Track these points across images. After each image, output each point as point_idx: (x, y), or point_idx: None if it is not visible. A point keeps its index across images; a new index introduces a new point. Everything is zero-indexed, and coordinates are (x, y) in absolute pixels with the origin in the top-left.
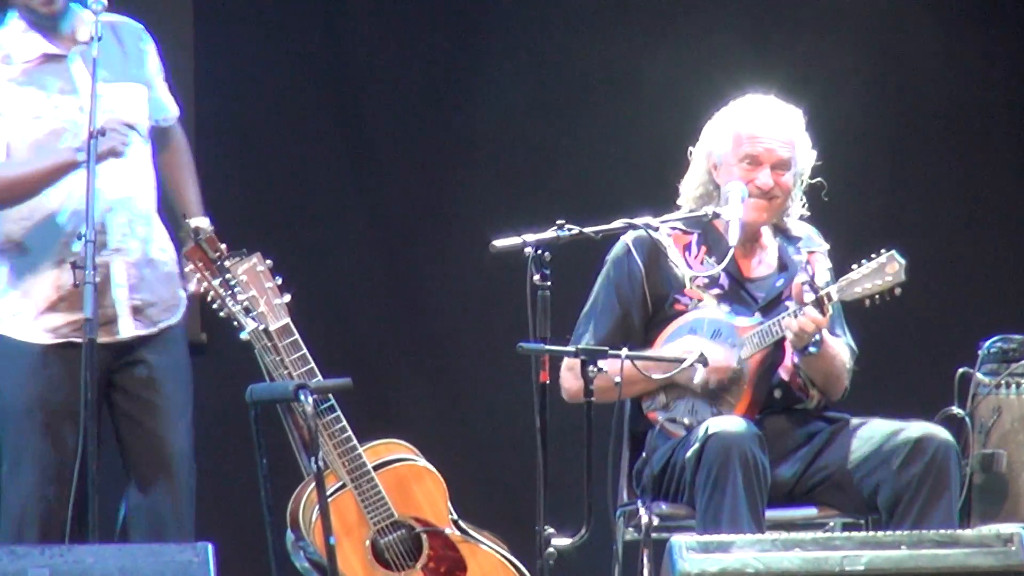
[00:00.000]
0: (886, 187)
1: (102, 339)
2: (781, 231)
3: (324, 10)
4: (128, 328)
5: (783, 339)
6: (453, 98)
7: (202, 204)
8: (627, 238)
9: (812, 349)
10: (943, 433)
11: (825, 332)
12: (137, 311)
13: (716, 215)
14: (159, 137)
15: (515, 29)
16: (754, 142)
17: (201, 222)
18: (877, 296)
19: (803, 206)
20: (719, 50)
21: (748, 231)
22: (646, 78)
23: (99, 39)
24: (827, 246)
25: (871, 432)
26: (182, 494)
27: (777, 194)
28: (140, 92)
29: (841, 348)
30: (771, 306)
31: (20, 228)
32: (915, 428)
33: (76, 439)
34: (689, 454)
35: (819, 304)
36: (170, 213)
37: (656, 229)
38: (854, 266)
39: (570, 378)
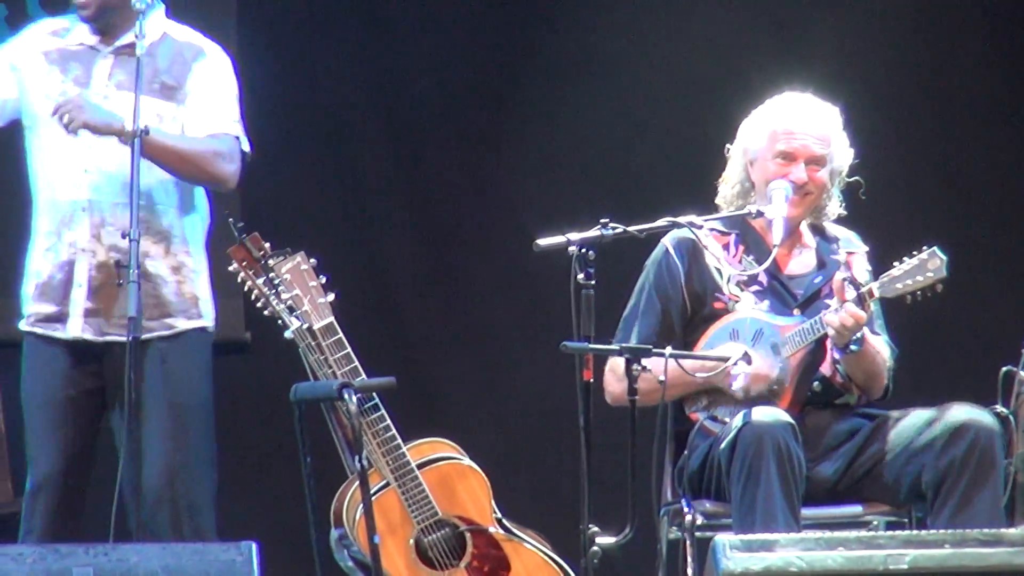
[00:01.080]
0: (928, 185)
1: (50, 333)
2: (819, 231)
3: (368, 8)
4: (75, 329)
5: (824, 337)
6: (499, 96)
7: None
8: (666, 240)
9: (853, 347)
10: (985, 416)
11: (866, 330)
12: (89, 313)
13: (760, 213)
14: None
15: (561, 27)
16: (788, 138)
17: None
18: (919, 293)
19: (840, 205)
20: (763, 49)
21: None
22: (691, 77)
23: (141, 37)
24: (866, 248)
25: (912, 420)
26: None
27: (811, 190)
28: (154, 107)
29: (882, 347)
30: (810, 303)
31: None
32: (956, 412)
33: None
34: (723, 446)
35: (860, 301)
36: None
37: (700, 228)
38: (895, 263)
39: (613, 381)
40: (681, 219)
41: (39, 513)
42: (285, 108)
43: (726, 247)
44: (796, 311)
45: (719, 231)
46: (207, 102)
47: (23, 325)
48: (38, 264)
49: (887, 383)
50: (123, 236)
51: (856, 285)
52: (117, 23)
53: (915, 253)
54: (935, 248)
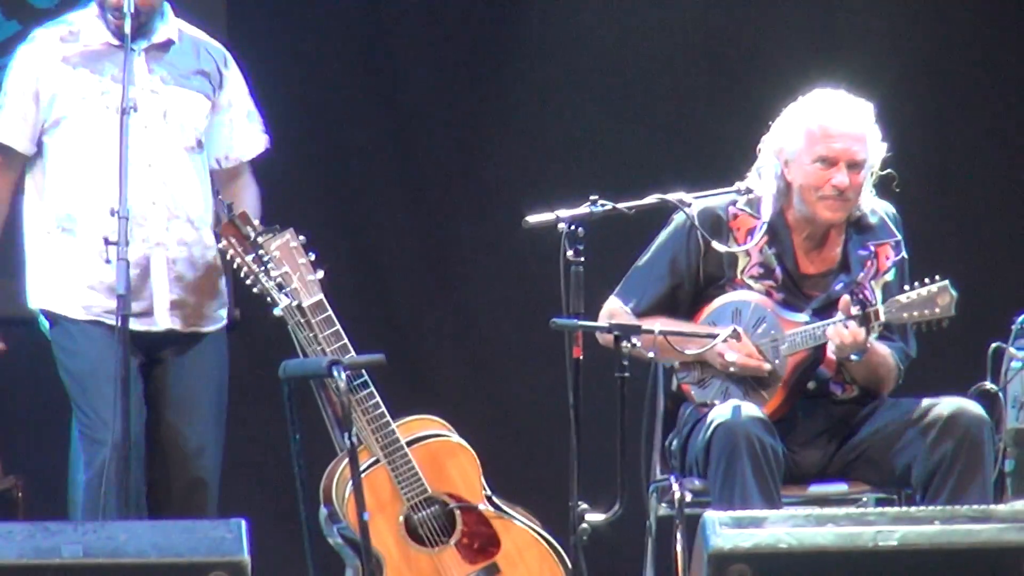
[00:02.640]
0: (926, 162)
1: (137, 327)
2: (854, 220)
3: None
4: (164, 321)
5: (825, 343)
6: (489, 74)
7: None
8: (694, 210)
9: (854, 357)
10: (975, 408)
11: (872, 340)
12: (175, 306)
13: (749, 190)
14: (222, 178)
15: (551, 6)
16: (828, 142)
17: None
18: (923, 325)
19: (872, 195)
20: (755, 25)
21: (818, 225)
22: (679, 54)
23: (132, 14)
24: (898, 236)
25: (903, 408)
26: (195, 491)
27: (851, 195)
28: (199, 103)
29: (888, 354)
30: (826, 309)
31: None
32: (947, 404)
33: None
34: (699, 445)
35: (866, 320)
36: None
37: (689, 205)
38: (906, 287)
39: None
40: (670, 196)
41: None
42: (275, 87)
43: (751, 231)
44: (807, 312)
45: (749, 213)
46: (244, 120)
47: (75, 313)
48: (93, 261)
49: (893, 386)
50: (112, 213)
51: (864, 304)
52: (143, 22)
53: (927, 281)
54: (947, 283)
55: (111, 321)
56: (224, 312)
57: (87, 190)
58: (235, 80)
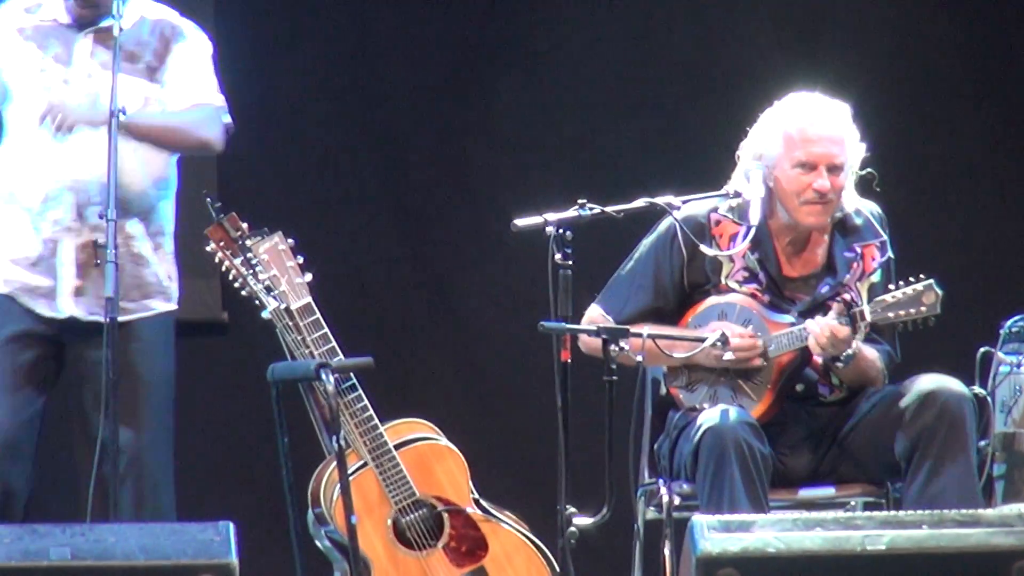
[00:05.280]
0: (910, 166)
1: (44, 311)
2: (840, 222)
3: None
4: (68, 307)
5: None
6: (475, 76)
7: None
8: (677, 218)
9: (839, 364)
10: (955, 384)
11: (859, 343)
12: (78, 292)
13: (738, 194)
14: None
15: (538, 9)
16: (807, 147)
17: None
18: (910, 323)
19: (856, 195)
20: (739, 29)
21: (801, 230)
22: (666, 59)
23: (119, 17)
24: (884, 237)
25: (884, 393)
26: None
27: (832, 197)
28: (139, 87)
29: (875, 357)
30: (812, 311)
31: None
32: (926, 380)
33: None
34: (687, 449)
35: (852, 320)
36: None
37: (678, 208)
38: (891, 287)
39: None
40: (658, 199)
41: None
42: (263, 90)
43: (734, 237)
44: (793, 315)
45: (732, 220)
46: (187, 79)
47: None
48: (21, 235)
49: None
50: (100, 216)
51: (850, 304)
52: (99, 3)
53: (911, 280)
54: (932, 282)
55: (23, 300)
56: (157, 303)
57: (22, 166)
58: (183, 53)
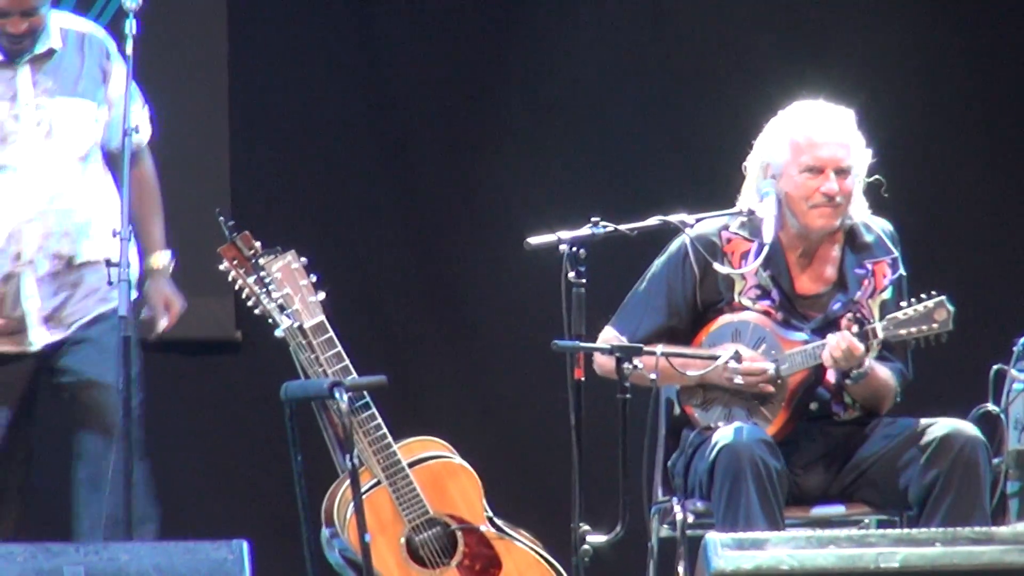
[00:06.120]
0: (924, 182)
1: (10, 349)
2: (851, 236)
3: (357, 6)
4: (41, 337)
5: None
6: (487, 94)
7: (164, 237)
8: (687, 237)
9: (849, 381)
10: (970, 429)
11: (872, 361)
12: (48, 319)
13: (751, 212)
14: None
15: (549, 23)
16: (814, 150)
17: (161, 259)
18: (922, 340)
19: (866, 207)
20: (752, 47)
21: (812, 240)
22: (681, 73)
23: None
24: (895, 253)
25: (901, 428)
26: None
27: (840, 201)
28: (87, 109)
29: (888, 376)
30: (825, 328)
31: None
32: (942, 425)
33: None
34: (703, 467)
35: (864, 337)
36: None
37: (691, 226)
38: (902, 304)
39: (601, 355)
40: (672, 217)
41: None
42: (275, 108)
43: (745, 254)
44: (806, 332)
45: (743, 237)
46: (126, 108)
47: None
48: None
49: (891, 406)
50: (114, 235)
51: (862, 321)
52: (32, 32)
53: (923, 297)
54: (944, 298)
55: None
56: (103, 306)
57: None
58: (120, 71)
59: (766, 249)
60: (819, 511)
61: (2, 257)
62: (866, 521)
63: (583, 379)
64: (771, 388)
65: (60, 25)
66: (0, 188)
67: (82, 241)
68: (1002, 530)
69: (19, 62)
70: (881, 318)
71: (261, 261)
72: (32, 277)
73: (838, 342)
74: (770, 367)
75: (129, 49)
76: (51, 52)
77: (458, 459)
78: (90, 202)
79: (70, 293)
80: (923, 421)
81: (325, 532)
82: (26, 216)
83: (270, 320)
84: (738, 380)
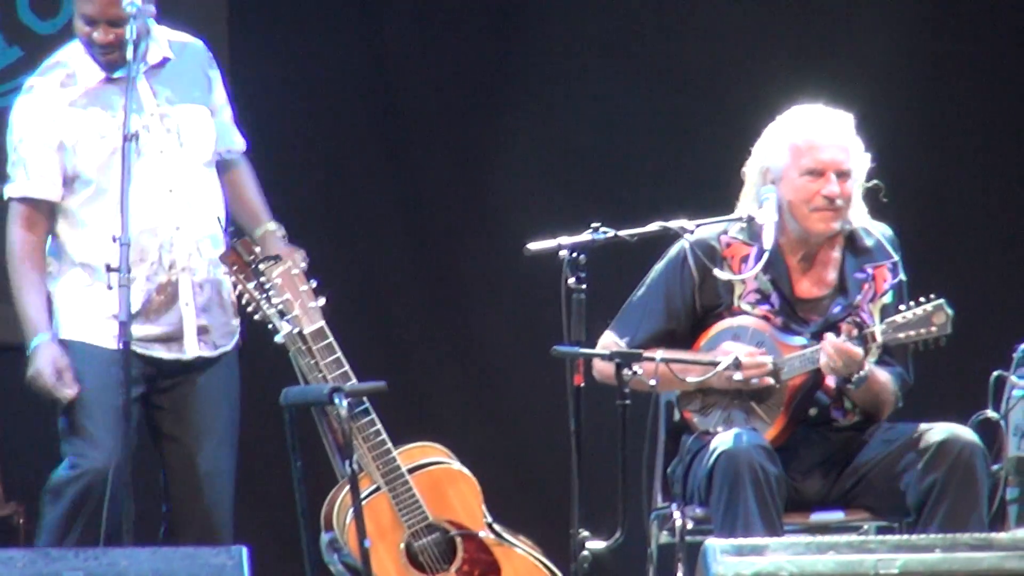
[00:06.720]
0: (923, 187)
1: (164, 355)
2: (851, 241)
3: (361, 11)
4: (193, 348)
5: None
6: (489, 100)
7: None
8: (687, 242)
9: (851, 387)
10: (968, 434)
11: (871, 366)
12: (202, 331)
13: (751, 218)
14: (222, 168)
15: (552, 30)
16: (814, 153)
17: (271, 225)
18: (921, 344)
19: (865, 211)
20: (754, 54)
21: (813, 244)
22: (681, 81)
23: (134, 43)
24: (895, 258)
25: (900, 433)
26: (213, 512)
27: (841, 204)
28: (205, 115)
29: (888, 380)
30: (825, 332)
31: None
32: (939, 430)
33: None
34: (702, 473)
35: (863, 341)
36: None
37: (691, 232)
38: (901, 307)
39: (602, 362)
40: (672, 223)
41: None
42: (277, 111)
43: (745, 259)
44: (806, 336)
45: (742, 241)
46: (229, 118)
47: (102, 342)
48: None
49: (891, 411)
50: (114, 240)
51: (860, 326)
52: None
53: (922, 301)
54: (942, 302)
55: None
56: (237, 322)
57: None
58: (219, 79)
59: (766, 255)
60: (818, 517)
61: (158, 268)
62: (865, 527)
63: (583, 385)
64: (771, 381)
65: (167, 38)
66: (144, 200)
67: (219, 245)
68: (1001, 536)
69: (136, 75)
70: (881, 322)
71: (261, 267)
72: (188, 283)
73: (832, 348)
74: (768, 360)
75: (129, 54)
76: (165, 61)
77: (458, 465)
78: (217, 206)
79: (217, 307)
80: (921, 426)
81: (324, 537)
82: (174, 224)
83: (270, 326)
84: (738, 376)
